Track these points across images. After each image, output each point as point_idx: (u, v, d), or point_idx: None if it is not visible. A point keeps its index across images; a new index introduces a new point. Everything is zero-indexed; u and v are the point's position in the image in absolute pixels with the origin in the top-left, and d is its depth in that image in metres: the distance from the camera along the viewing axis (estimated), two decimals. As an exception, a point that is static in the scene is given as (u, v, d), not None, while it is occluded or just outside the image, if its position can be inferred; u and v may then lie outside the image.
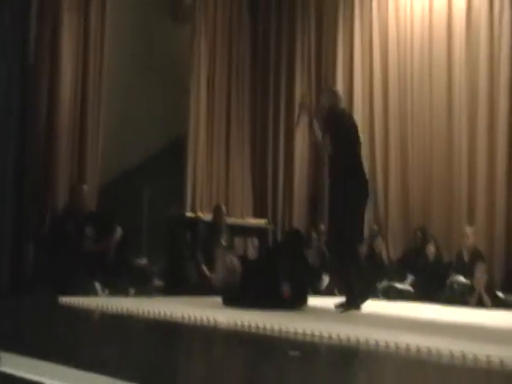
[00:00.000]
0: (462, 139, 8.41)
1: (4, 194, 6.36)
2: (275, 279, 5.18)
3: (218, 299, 5.56)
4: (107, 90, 7.68)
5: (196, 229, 7.95)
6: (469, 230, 7.79)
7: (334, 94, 5.96)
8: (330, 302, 5.85)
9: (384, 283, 7.96)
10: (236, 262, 5.35)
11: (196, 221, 8.13)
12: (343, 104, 6.11)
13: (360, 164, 5.70)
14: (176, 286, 7.04)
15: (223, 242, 7.74)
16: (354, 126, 5.87)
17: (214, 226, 7.85)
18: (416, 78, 8.88)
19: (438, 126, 8.64)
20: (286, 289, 5.07)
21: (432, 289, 7.56)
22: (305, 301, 5.41)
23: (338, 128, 5.59)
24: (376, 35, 9.19)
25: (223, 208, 8.06)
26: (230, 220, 8.35)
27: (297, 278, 5.32)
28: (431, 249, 7.94)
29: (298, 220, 9.29)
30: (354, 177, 5.53)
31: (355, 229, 5.62)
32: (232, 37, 9.58)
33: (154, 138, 9.16)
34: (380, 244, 8.43)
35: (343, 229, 5.45)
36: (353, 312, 5.51)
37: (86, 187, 6.89)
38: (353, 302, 5.57)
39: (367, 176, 5.88)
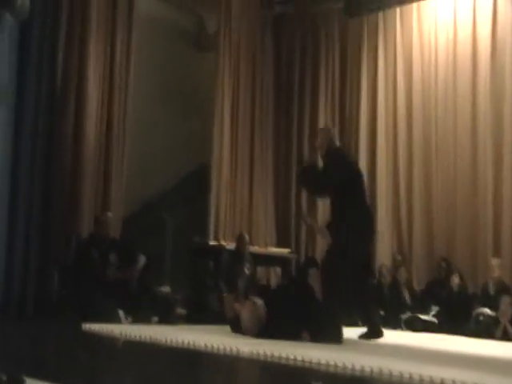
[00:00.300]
0: (487, 168, 8.35)
1: (30, 221, 6.43)
2: (296, 313, 5.15)
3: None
4: (132, 119, 7.78)
5: (219, 257, 7.95)
6: (494, 261, 7.69)
7: (329, 133, 6.02)
8: (353, 333, 5.80)
9: (408, 314, 7.88)
10: (260, 303, 5.29)
11: (219, 249, 8.13)
12: (338, 142, 6.11)
13: (361, 198, 5.68)
14: (199, 315, 7.03)
15: (246, 271, 7.74)
16: (351, 163, 5.92)
17: (237, 255, 7.85)
18: (440, 107, 8.87)
19: (463, 155, 8.60)
20: (305, 335, 5.02)
21: (457, 320, 7.46)
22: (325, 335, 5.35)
23: (335, 165, 5.64)
24: (400, 64, 9.22)
25: (246, 236, 8.06)
26: (253, 249, 8.34)
27: (317, 313, 5.26)
28: (455, 280, 7.86)
29: (322, 250, 9.25)
30: (355, 211, 5.50)
31: (358, 260, 5.56)
32: (256, 66, 9.68)
33: (177, 166, 9.24)
34: (403, 274, 8.36)
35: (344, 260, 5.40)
36: (377, 342, 5.46)
37: (110, 214, 6.93)
38: (373, 331, 5.54)
39: (370, 209, 5.86)
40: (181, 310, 7.17)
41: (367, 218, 5.69)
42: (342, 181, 5.51)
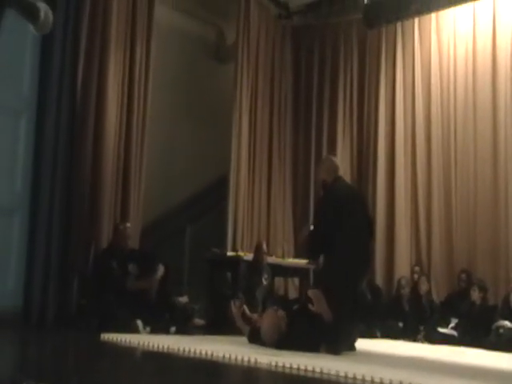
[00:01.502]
0: (508, 178, 8.28)
1: (51, 230, 6.49)
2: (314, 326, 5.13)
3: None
4: (150, 129, 7.81)
5: (237, 268, 7.95)
6: (515, 274, 7.62)
7: (323, 165, 5.94)
8: (371, 345, 5.78)
9: (426, 327, 7.81)
10: (281, 314, 5.28)
11: (237, 260, 8.13)
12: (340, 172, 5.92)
13: (354, 231, 5.44)
14: (217, 325, 7.03)
15: (264, 281, 7.72)
16: (347, 196, 5.67)
17: (255, 265, 7.84)
18: (460, 117, 8.81)
19: (483, 165, 8.53)
20: (323, 349, 5.00)
21: (477, 333, 7.39)
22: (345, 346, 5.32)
23: (327, 200, 5.64)
24: (418, 75, 9.19)
25: (264, 246, 8.04)
26: (271, 259, 8.33)
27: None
28: (475, 292, 7.77)
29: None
30: (344, 247, 5.35)
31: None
32: (274, 76, 9.71)
33: (196, 176, 9.27)
34: (424, 285, 8.27)
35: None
36: (396, 355, 5.43)
37: (129, 225, 6.96)
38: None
39: (364, 243, 5.60)
40: (198, 321, 7.18)
41: (357, 255, 5.45)
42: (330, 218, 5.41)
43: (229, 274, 8.20)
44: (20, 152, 6.52)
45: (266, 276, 7.74)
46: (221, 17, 10.13)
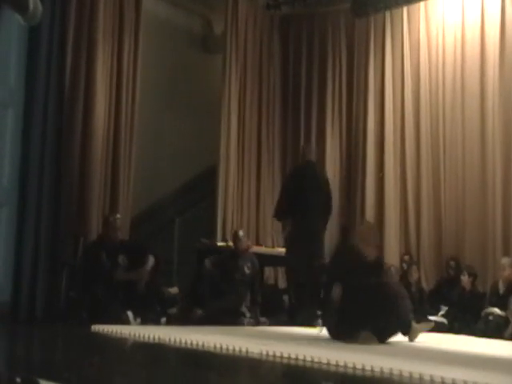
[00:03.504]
0: (495, 167, 8.32)
1: (39, 223, 6.46)
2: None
3: (248, 328, 5.55)
4: (140, 120, 7.79)
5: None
6: (504, 260, 7.63)
7: (306, 149, 6.95)
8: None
9: (417, 315, 7.84)
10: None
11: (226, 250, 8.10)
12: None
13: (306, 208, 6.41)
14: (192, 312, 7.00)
15: (246, 270, 7.63)
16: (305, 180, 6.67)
17: (234, 253, 7.74)
18: (448, 107, 8.83)
19: (471, 154, 8.56)
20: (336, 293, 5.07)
21: (466, 321, 7.43)
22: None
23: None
24: (407, 64, 9.18)
25: (241, 233, 7.89)
26: (261, 249, 8.32)
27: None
28: (464, 278, 7.81)
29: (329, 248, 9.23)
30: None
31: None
32: (262, 67, 9.68)
33: (185, 167, 9.25)
34: (414, 274, 8.29)
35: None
36: (386, 343, 5.45)
37: (119, 216, 6.94)
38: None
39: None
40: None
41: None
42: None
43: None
44: (7, 145, 6.47)
45: (248, 265, 7.61)
46: (208, 7, 10.08)
